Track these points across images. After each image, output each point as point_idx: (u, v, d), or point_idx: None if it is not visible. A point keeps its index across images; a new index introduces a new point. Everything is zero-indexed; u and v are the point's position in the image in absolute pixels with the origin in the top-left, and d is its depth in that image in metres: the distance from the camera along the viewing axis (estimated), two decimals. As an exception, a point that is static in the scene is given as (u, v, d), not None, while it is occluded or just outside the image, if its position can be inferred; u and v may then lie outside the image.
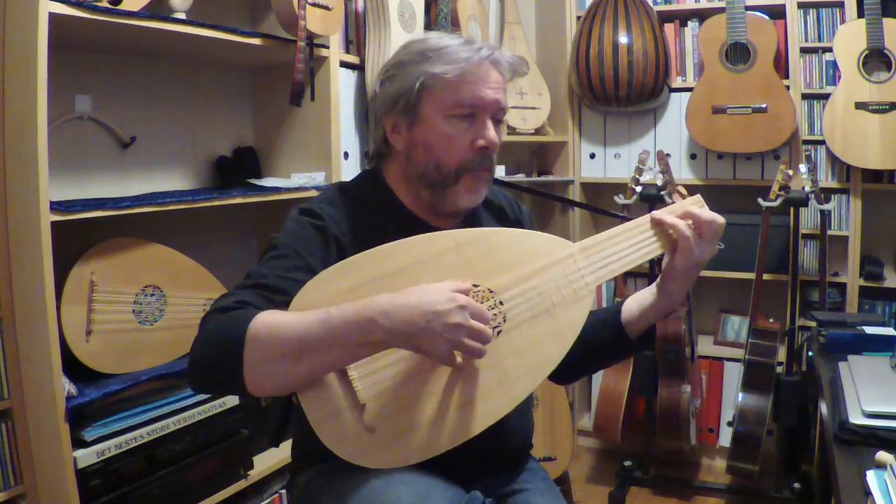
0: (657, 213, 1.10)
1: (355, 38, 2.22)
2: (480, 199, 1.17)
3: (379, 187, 1.20)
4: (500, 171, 2.75)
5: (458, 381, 0.98)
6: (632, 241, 1.09)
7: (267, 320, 0.93)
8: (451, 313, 0.89)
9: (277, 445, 1.85)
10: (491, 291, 1.02)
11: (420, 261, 1.00)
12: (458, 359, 0.95)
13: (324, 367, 0.94)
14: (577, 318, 1.04)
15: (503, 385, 0.99)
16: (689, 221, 1.08)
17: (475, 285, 1.01)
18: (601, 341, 1.19)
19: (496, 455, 1.18)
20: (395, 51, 1.19)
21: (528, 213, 1.35)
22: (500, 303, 1.02)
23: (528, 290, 1.03)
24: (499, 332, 1.01)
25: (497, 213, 1.29)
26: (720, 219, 1.09)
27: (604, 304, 3.08)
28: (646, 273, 2.79)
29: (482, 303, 1.00)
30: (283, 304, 0.98)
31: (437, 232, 1.05)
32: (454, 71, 1.09)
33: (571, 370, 1.24)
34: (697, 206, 1.11)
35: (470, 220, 1.22)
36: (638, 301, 1.18)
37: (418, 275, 0.98)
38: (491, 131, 1.12)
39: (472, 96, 1.10)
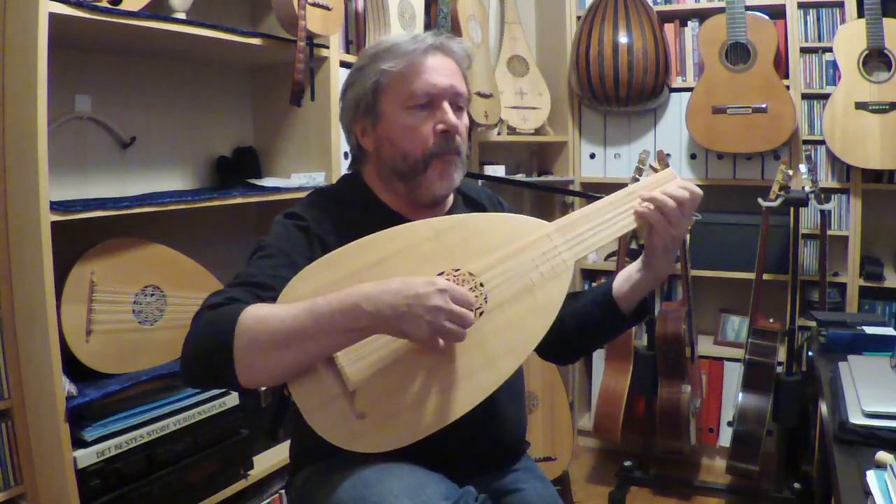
0: (632, 193, 1.12)
1: (355, 38, 2.22)
2: (454, 184, 1.19)
3: (359, 188, 1.23)
4: (500, 171, 2.75)
5: (444, 362, 1.00)
6: (606, 218, 1.12)
7: (255, 313, 0.95)
8: (431, 296, 0.92)
9: (275, 439, 1.85)
10: (471, 274, 1.04)
11: (400, 250, 1.03)
12: (441, 341, 0.97)
13: (312, 355, 0.96)
14: (557, 294, 1.06)
15: (488, 364, 1.01)
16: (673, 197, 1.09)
17: (455, 269, 1.04)
18: (595, 320, 1.21)
19: (490, 450, 1.19)
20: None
21: (510, 209, 1.36)
22: (481, 284, 1.04)
23: (507, 270, 1.05)
24: (481, 314, 1.02)
25: (478, 210, 1.30)
26: (696, 190, 1.10)
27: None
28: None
29: (463, 285, 1.01)
30: (271, 300, 1.00)
31: (416, 221, 1.08)
32: (401, 64, 1.14)
33: (570, 349, 1.28)
34: (671, 180, 1.12)
35: (450, 214, 1.23)
36: (626, 278, 1.19)
37: (399, 264, 1.01)
38: (450, 115, 1.15)
39: (425, 84, 1.13)
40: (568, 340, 1.22)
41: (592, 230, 1.10)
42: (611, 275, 3.04)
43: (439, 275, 1.02)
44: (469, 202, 1.30)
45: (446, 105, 1.15)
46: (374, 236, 1.03)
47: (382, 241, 1.03)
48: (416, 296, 0.92)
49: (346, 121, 1.22)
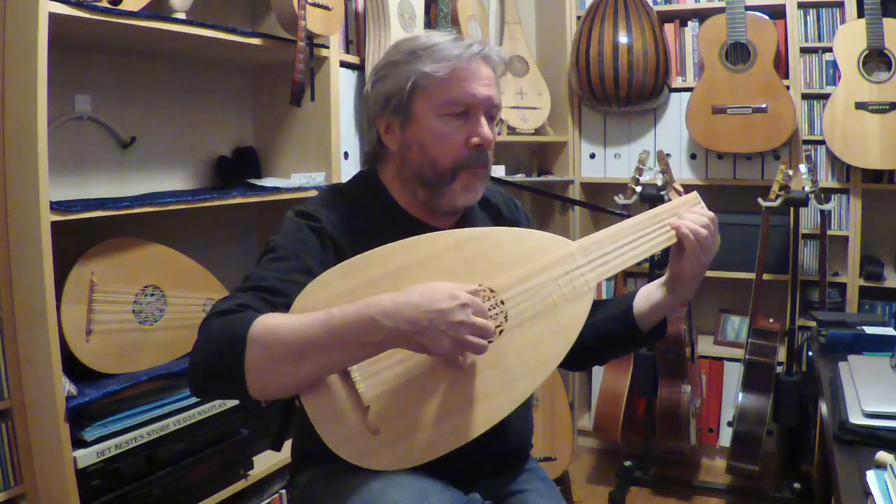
0: (656, 216, 1.12)
1: (355, 38, 2.22)
2: (478, 196, 1.17)
3: (374, 188, 1.19)
4: (499, 171, 2.75)
5: (461, 380, 0.98)
6: (630, 240, 1.11)
7: (268, 322, 0.92)
8: (453, 311, 0.90)
9: (279, 449, 1.84)
10: (492, 291, 1.02)
11: (420, 260, 1.00)
12: (461, 357, 0.95)
13: (326, 369, 0.93)
14: (579, 316, 1.05)
15: (506, 384, 0.99)
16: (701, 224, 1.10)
17: (477, 286, 1.01)
18: (614, 335, 1.21)
19: (497, 456, 1.18)
20: (386, 51, 1.18)
21: (525, 213, 1.35)
22: (502, 302, 1.02)
23: (529, 288, 1.03)
24: (501, 332, 1.01)
25: (494, 213, 1.29)
26: (711, 215, 1.13)
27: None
28: (646, 273, 2.79)
29: (483, 302, 0.99)
30: (283, 307, 0.97)
31: (437, 232, 1.05)
32: (445, 69, 1.09)
33: (585, 360, 1.27)
34: (696, 204, 1.13)
35: (466, 219, 1.22)
36: (648, 298, 1.19)
37: (419, 274, 0.98)
38: (485, 128, 1.12)
39: (465, 94, 1.10)
40: (584, 352, 1.19)
41: (616, 252, 1.09)
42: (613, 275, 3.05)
43: None
44: (485, 204, 1.27)
45: (482, 117, 1.12)
46: (393, 245, 1.00)
47: (401, 251, 1.00)
48: (439, 311, 0.89)
49: (371, 114, 1.18)
